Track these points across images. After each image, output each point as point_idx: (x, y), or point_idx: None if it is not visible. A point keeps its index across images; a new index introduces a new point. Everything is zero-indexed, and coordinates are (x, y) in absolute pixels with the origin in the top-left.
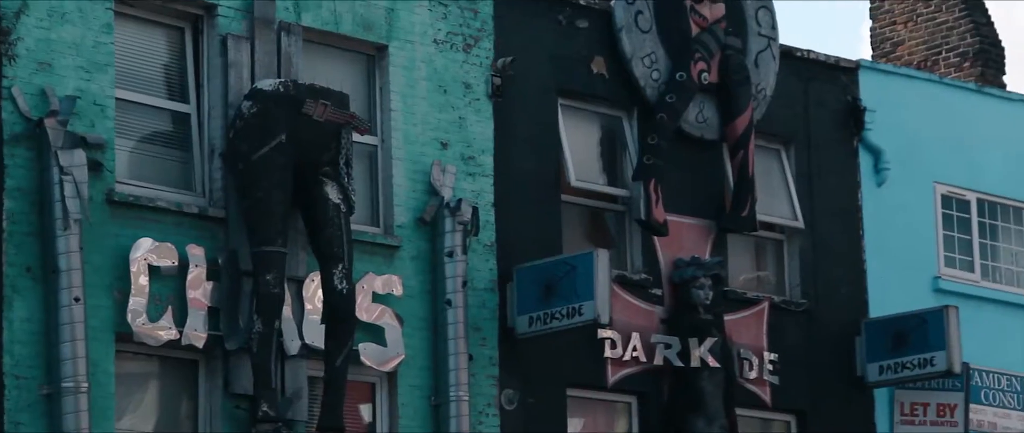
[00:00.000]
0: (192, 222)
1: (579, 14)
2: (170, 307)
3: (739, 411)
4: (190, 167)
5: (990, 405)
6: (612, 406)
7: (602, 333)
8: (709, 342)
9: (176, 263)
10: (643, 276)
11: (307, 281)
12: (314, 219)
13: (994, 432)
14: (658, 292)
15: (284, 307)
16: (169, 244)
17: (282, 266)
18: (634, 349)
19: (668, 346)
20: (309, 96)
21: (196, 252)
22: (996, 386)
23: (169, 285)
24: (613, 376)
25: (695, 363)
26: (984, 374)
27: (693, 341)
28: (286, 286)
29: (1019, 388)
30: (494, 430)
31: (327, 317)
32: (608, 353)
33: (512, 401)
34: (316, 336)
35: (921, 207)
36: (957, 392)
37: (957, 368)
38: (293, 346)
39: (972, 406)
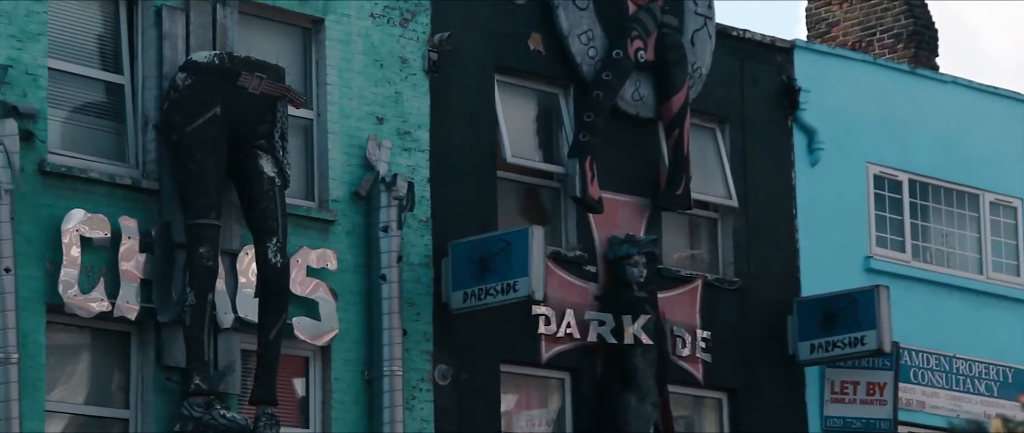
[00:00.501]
0: (125, 194)
1: None
2: (102, 279)
3: (671, 388)
4: (123, 138)
5: (919, 384)
6: (546, 382)
7: (536, 309)
8: (642, 319)
9: (109, 235)
10: (577, 253)
11: (241, 254)
12: (248, 192)
13: (922, 411)
14: (592, 269)
15: (217, 280)
16: (102, 215)
17: (216, 239)
18: (568, 326)
19: (602, 323)
20: (244, 69)
21: (129, 224)
22: (925, 365)
23: (101, 256)
24: (547, 352)
25: (628, 340)
26: (914, 353)
27: (626, 318)
28: (220, 259)
29: (948, 367)
30: (427, 405)
31: (261, 291)
32: (542, 329)
33: (446, 376)
34: (249, 309)
35: (854, 187)
36: (887, 371)
37: (887, 347)
38: (226, 319)
39: (901, 385)
